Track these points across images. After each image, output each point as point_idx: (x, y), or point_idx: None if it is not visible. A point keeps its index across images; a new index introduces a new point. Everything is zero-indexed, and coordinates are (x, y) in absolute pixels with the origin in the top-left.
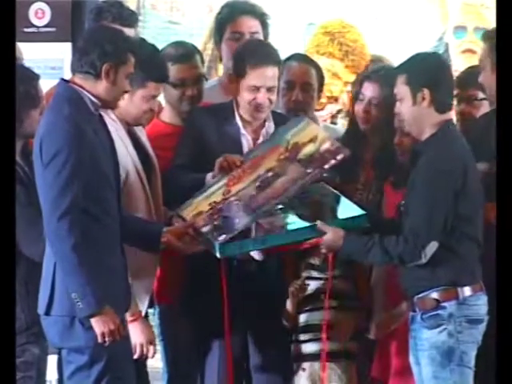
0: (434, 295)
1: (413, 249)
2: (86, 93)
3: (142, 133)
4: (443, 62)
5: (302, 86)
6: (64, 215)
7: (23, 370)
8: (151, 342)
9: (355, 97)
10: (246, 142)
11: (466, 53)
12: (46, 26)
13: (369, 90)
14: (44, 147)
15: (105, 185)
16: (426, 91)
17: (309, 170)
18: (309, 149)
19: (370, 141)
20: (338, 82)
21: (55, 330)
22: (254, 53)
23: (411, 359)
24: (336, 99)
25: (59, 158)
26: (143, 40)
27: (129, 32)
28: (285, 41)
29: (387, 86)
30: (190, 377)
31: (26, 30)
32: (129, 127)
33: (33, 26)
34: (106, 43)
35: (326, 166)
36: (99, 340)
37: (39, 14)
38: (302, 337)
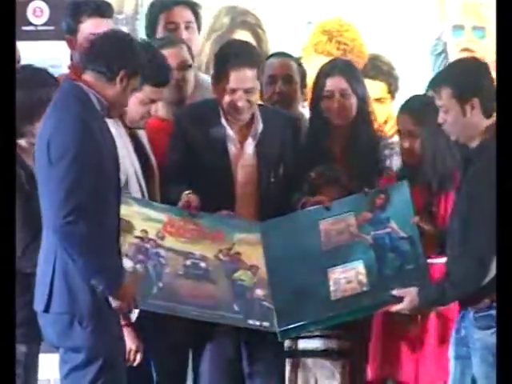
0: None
1: (479, 267)
2: (93, 91)
3: (143, 136)
4: (483, 66)
5: (283, 78)
6: (72, 212)
7: None
8: (139, 350)
9: (319, 95)
10: (232, 143)
11: (464, 52)
12: (44, 25)
13: (334, 85)
14: (52, 145)
15: (107, 185)
16: (475, 101)
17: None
18: (240, 274)
19: (338, 134)
20: None
21: (54, 329)
22: (231, 55)
23: (451, 353)
24: None
25: (68, 156)
26: (148, 43)
27: (108, 23)
28: (283, 39)
29: (351, 76)
30: (180, 379)
31: (24, 28)
32: (131, 130)
33: (31, 24)
34: (129, 51)
35: None
36: (118, 308)
37: (37, 13)
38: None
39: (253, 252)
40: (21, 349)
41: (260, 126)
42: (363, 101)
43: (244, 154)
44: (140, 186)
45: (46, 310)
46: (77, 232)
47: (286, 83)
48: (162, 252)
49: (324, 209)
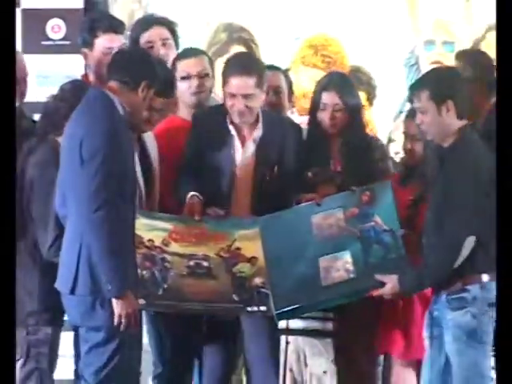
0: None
1: (451, 250)
2: (117, 98)
3: (150, 140)
4: (457, 73)
5: (272, 89)
6: (101, 207)
7: (37, 347)
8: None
9: (316, 106)
10: (234, 143)
11: (435, 64)
12: (61, 40)
13: (329, 100)
14: (84, 146)
15: (129, 183)
16: (450, 103)
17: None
18: (240, 267)
19: (333, 140)
20: None
21: (77, 310)
22: (233, 63)
23: (426, 334)
24: None
25: (99, 156)
26: (161, 59)
27: (120, 38)
28: (274, 53)
29: (344, 92)
30: (185, 367)
31: (43, 43)
32: (138, 133)
33: (50, 39)
34: (149, 65)
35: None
36: (115, 321)
37: (55, 29)
38: None
39: (252, 245)
40: (46, 331)
41: (261, 130)
42: (356, 110)
43: (244, 154)
44: (140, 190)
45: (72, 292)
46: (106, 226)
47: (275, 94)
48: (168, 257)
49: (316, 205)
